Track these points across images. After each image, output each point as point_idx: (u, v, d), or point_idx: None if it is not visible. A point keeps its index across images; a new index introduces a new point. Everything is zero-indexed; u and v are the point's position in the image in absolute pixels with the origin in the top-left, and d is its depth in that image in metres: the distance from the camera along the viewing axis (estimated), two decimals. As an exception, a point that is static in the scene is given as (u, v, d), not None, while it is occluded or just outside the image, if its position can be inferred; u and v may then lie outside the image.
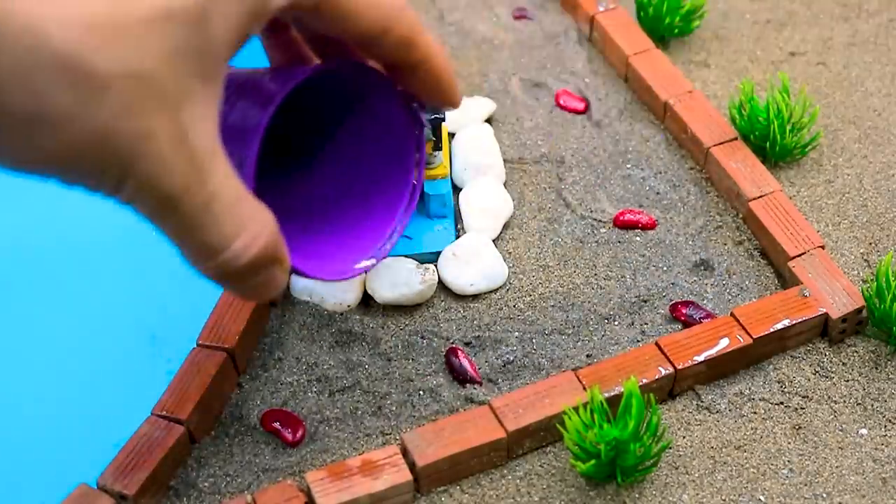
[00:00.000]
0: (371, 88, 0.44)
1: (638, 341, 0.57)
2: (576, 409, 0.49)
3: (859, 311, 0.56)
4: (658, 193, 0.64)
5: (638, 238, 0.62)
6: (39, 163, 0.31)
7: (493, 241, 0.61)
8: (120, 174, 0.32)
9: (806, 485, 0.50)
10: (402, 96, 0.44)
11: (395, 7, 0.38)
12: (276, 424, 0.53)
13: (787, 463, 0.51)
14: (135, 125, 0.31)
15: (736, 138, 0.65)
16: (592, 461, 0.48)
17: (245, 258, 0.35)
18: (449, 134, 0.65)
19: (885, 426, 0.53)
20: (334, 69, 0.42)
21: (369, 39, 0.39)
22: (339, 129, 0.48)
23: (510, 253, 0.61)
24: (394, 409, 0.54)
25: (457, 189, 0.63)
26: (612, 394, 0.51)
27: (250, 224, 0.35)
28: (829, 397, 0.54)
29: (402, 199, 0.49)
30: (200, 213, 0.34)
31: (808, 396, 0.54)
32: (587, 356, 0.56)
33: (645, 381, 0.52)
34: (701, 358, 0.53)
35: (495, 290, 0.59)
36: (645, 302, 0.58)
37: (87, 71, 0.30)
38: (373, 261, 0.48)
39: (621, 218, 0.63)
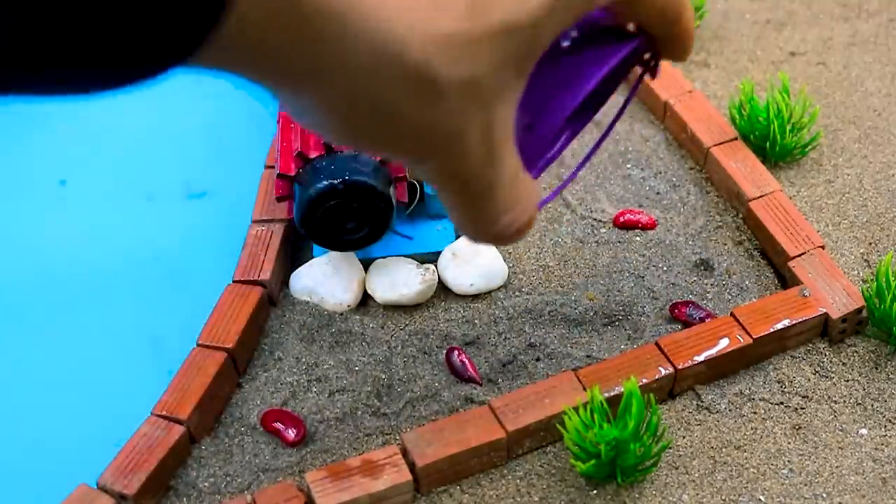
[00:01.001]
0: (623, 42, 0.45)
1: (638, 341, 0.56)
2: (576, 409, 0.49)
3: (859, 311, 0.56)
4: (658, 193, 0.64)
5: (638, 238, 0.62)
6: (361, 142, 0.35)
7: (493, 241, 0.61)
8: (426, 157, 0.36)
9: (806, 485, 0.50)
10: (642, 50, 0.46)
11: (684, 4, 0.43)
12: (277, 424, 0.53)
13: (787, 463, 0.51)
14: (455, 124, 0.35)
15: (736, 138, 0.65)
16: (592, 461, 0.48)
17: (514, 228, 0.40)
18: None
19: (885, 426, 0.53)
20: (630, 52, 0.44)
21: (655, 28, 0.43)
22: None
23: (510, 253, 0.61)
24: (394, 409, 0.54)
25: (457, 189, 0.63)
26: (612, 394, 0.51)
27: (523, 199, 0.40)
28: (829, 397, 0.54)
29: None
30: (485, 191, 0.38)
31: (808, 396, 0.54)
32: (587, 356, 0.56)
33: (645, 381, 0.52)
34: (701, 358, 0.53)
35: (495, 290, 0.59)
36: (645, 302, 0.58)
37: (431, 79, 0.33)
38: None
39: (621, 218, 0.62)
